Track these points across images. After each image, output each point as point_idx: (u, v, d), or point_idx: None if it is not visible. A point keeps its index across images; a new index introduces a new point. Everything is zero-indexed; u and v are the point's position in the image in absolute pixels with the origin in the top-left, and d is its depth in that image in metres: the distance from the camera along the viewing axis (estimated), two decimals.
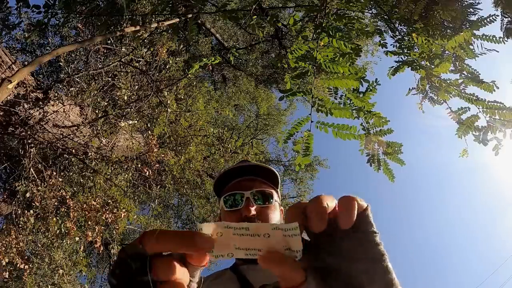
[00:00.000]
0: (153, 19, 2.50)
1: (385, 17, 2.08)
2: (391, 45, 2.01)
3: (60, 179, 4.07)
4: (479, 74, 1.85)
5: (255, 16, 2.08)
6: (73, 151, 4.15)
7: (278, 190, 1.05)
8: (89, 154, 4.27)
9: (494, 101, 1.72)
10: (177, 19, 2.36)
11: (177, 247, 0.38)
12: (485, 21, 1.80)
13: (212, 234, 0.39)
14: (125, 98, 4.50)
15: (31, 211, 3.87)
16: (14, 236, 3.70)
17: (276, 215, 0.97)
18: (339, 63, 1.71)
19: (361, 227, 0.39)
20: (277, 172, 1.03)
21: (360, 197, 0.42)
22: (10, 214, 4.46)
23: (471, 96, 1.76)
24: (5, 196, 4.67)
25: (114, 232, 4.65)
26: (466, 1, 2.50)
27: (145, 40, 4.69)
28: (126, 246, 0.41)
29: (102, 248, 4.23)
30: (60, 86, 4.42)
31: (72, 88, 4.24)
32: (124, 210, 4.10)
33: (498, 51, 1.88)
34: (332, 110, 1.62)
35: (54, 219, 3.90)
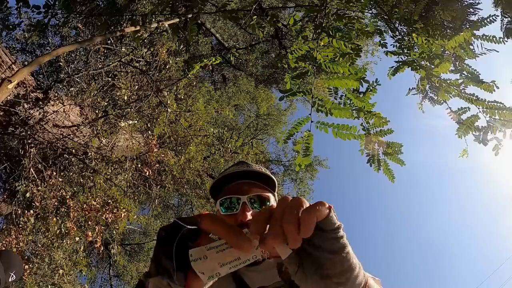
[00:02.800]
0: (153, 19, 2.50)
1: (385, 17, 2.07)
2: (391, 45, 2.01)
3: (60, 179, 4.07)
4: (479, 74, 1.84)
5: (255, 16, 2.08)
6: (73, 151, 4.15)
7: (275, 193, 1.06)
8: (89, 154, 4.27)
9: (494, 101, 1.72)
10: (177, 19, 2.36)
11: (223, 234, 0.48)
12: (485, 21, 1.80)
13: (201, 258, 0.45)
14: (125, 98, 4.50)
15: (31, 211, 3.87)
16: (14, 236, 3.70)
17: None
18: (339, 63, 1.71)
19: (325, 227, 0.49)
20: (274, 177, 1.04)
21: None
22: (10, 214, 4.46)
23: (471, 96, 1.76)
24: (5, 196, 4.67)
25: (114, 232, 4.65)
26: (466, 1, 2.50)
27: (145, 40, 4.69)
28: (184, 217, 0.53)
29: (102, 248, 4.24)
30: (60, 86, 4.42)
31: (72, 88, 4.24)
32: (124, 210, 4.10)
33: (498, 51, 1.88)
34: (332, 110, 1.62)
35: (54, 219, 3.90)
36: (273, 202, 1.00)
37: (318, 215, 0.48)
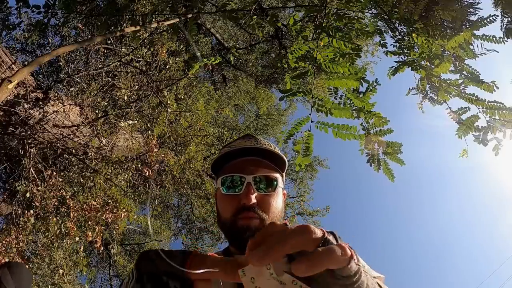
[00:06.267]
0: (153, 19, 2.50)
1: (385, 17, 2.07)
2: (391, 45, 2.01)
3: (60, 179, 4.07)
4: (479, 74, 1.84)
5: (255, 16, 2.08)
6: (73, 151, 4.15)
7: (284, 173, 0.95)
8: (89, 154, 4.27)
9: (494, 101, 1.72)
10: (177, 19, 2.36)
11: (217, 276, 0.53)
12: (485, 21, 1.80)
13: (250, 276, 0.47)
14: (125, 98, 4.50)
15: (31, 211, 3.87)
16: (14, 236, 3.70)
17: (278, 203, 0.87)
18: (339, 63, 1.71)
19: (337, 272, 0.45)
20: (283, 156, 0.91)
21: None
22: (10, 214, 4.45)
23: (471, 96, 1.76)
24: (5, 196, 4.67)
25: (114, 232, 4.65)
26: (466, 1, 2.50)
27: (145, 40, 4.69)
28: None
29: (102, 248, 4.23)
30: (60, 86, 4.42)
31: (72, 88, 4.24)
32: (124, 210, 4.10)
33: (498, 51, 1.88)
34: (332, 110, 1.62)
35: (54, 219, 3.90)
36: (280, 183, 0.89)
37: (333, 264, 0.43)
